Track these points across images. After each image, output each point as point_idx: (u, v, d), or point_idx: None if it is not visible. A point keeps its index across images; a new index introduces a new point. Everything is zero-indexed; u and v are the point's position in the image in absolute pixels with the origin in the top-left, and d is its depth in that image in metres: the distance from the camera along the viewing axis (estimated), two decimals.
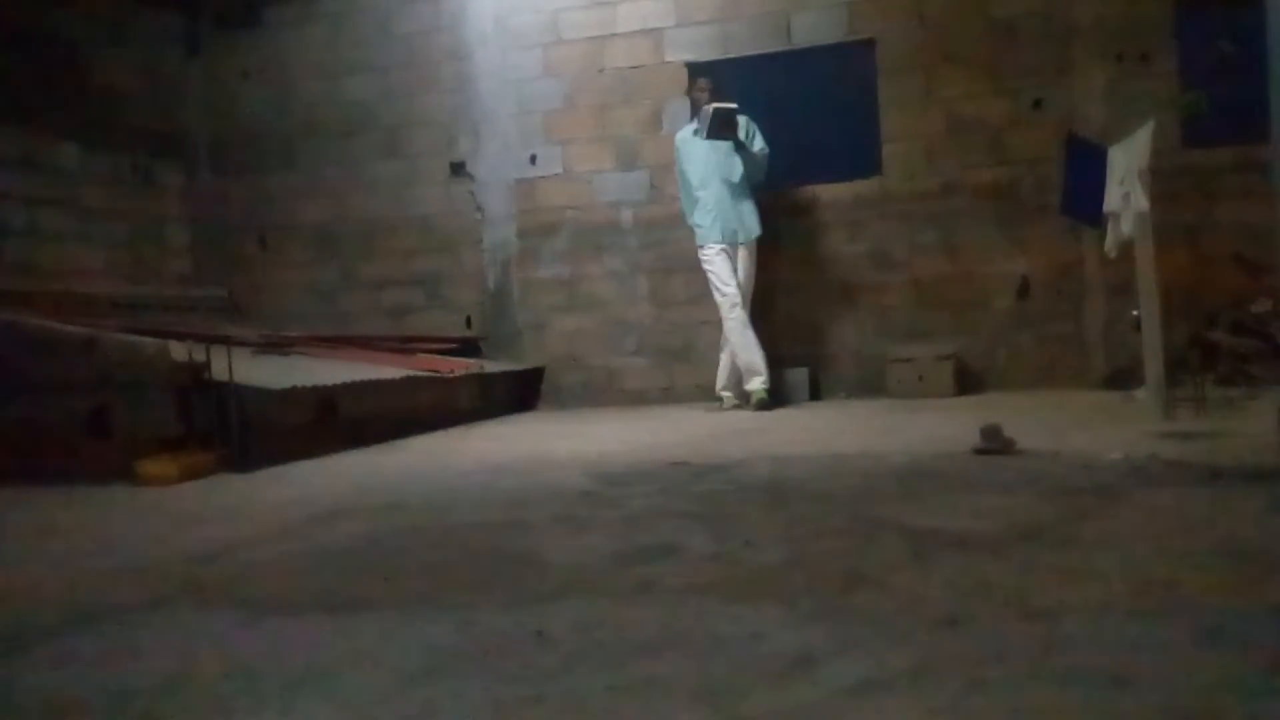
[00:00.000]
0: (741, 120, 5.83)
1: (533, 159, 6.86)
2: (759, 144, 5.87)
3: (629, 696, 1.36)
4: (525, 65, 6.83)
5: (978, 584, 1.81)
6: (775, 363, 6.07)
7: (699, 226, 5.94)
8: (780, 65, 6.32)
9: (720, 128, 5.74)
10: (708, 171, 5.87)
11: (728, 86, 6.03)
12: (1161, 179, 4.59)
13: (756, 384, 5.76)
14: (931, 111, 6.15)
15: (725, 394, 5.96)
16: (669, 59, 6.60)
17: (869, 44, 6.26)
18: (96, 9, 6.80)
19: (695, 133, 5.92)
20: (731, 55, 6.45)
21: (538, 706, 1.35)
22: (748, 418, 5.42)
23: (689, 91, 6.06)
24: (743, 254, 5.89)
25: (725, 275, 5.84)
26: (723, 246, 5.86)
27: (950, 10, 6.11)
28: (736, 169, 5.85)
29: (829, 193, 6.32)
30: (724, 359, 5.96)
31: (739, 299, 5.82)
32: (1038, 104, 5.98)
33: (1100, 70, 5.86)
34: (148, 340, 4.29)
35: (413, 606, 1.90)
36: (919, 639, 1.53)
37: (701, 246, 5.93)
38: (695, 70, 6.46)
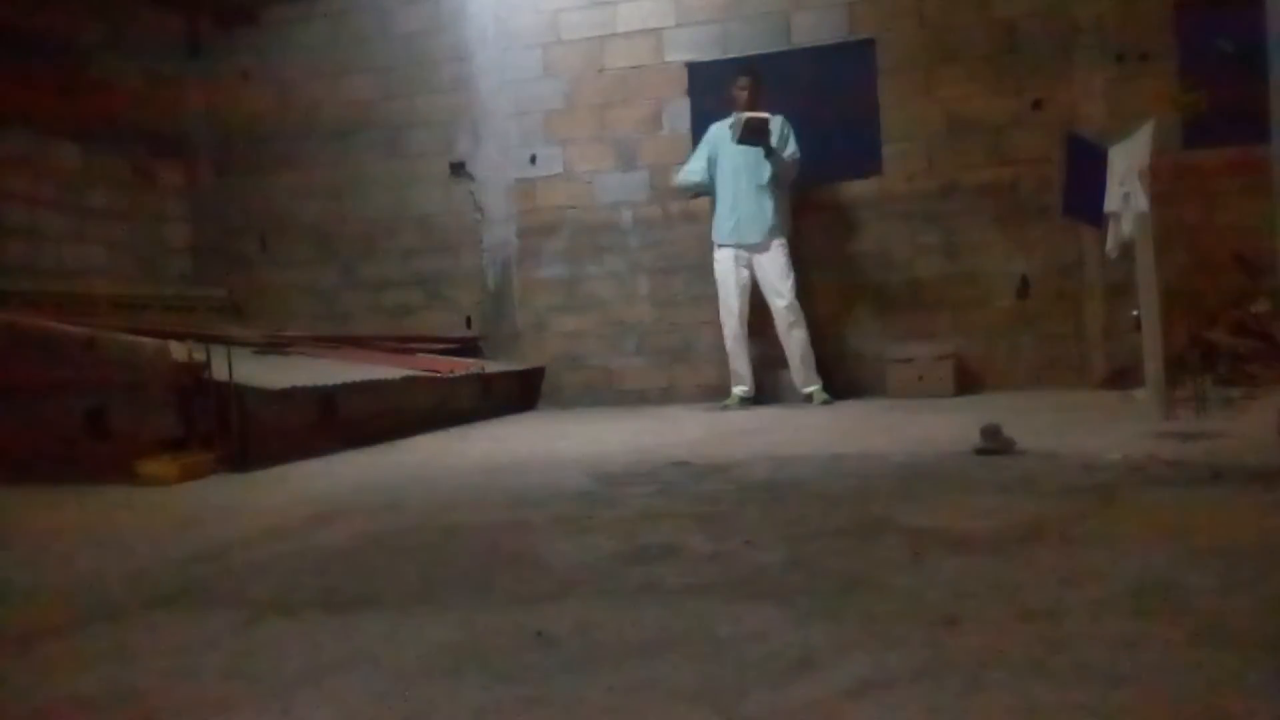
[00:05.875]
0: (776, 123, 5.83)
1: (533, 159, 6.86)
2: (790, 148, 5.87)
3: (629, 697, 1.36)
4: (525, 65, 6.83)
5: (978, 584, 1.81)
6: (773, 362, 6.11)
7: (714, 224, 6.04)
8: (780, 65, 6.31)
9: (749, 135, 5.76)
10: (735, 169, 5.91)
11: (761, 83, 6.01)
12: (1161, 179, 4.59)
13: (736, 390, 5.97)
14: (931, 111, 6.15)
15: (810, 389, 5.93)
16: (669, 59, 6.60)
17: (869, 44, 6.26)
18: (96, 9, 6.80)
19: (731, 127, 5.92)
20: (731, 55, 6.44)
21: (538, 706, 1.35)
22: (748, 418, 5.42)
23: (730, 90, 5.98)
24: (768, 255, 5.88)
25: (727, 286, 5.96)
26: (734, 250, 5.91)
27: (950, 10, 6.11)
28: (765, 172, 5.87)
29: (829, 193, 6.33)
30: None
31: (734, 312, 5.94)
32: (1038, 104, 5.98)
33: (1100, 70, 5.86)
34: (148, 340, 4.28)
35: (413, 606, 1.89)
36: (919, 639, 1.52)
37: (715, 245, 6.03)
38: (696, 68, 6.48)
